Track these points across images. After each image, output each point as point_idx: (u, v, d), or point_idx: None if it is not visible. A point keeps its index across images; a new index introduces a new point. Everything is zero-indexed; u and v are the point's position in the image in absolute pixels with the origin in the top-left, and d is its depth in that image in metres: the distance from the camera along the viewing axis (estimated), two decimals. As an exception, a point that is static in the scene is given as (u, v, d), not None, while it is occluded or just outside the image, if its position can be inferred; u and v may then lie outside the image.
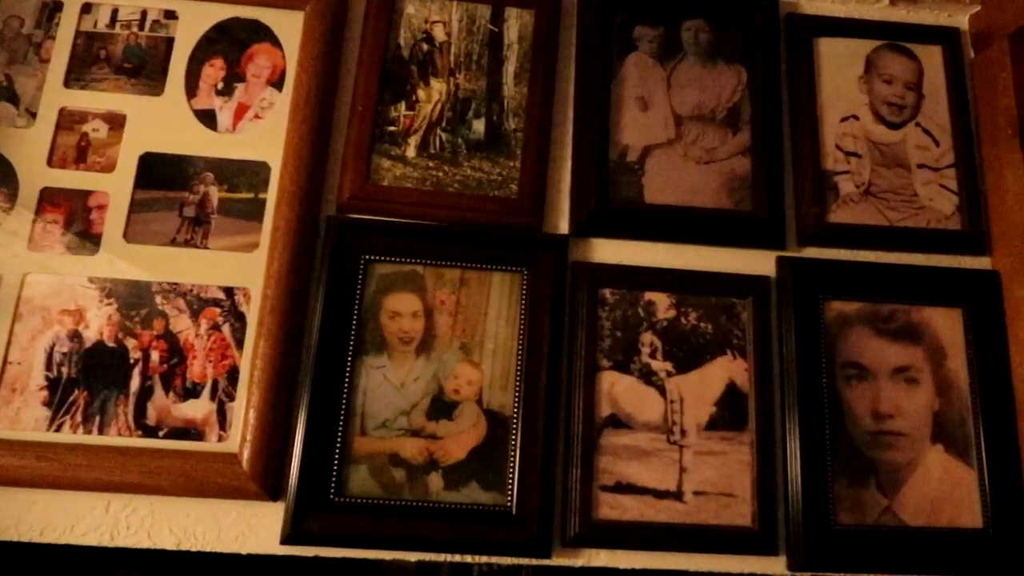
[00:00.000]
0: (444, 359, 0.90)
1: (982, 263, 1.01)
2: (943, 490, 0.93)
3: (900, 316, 0.97)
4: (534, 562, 0.87)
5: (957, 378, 0.96)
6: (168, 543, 0.84)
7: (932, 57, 1.06)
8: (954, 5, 1.07)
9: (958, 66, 1.06)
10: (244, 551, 0.85)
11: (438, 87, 0.97)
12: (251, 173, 0.92)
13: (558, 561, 0.87)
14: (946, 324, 0.98)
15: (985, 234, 1.01)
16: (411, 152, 0.95)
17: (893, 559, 0.90)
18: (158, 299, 0.88)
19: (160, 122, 0.93)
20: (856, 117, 1.03)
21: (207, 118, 0.94)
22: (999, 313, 0.98)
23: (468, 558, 0.86)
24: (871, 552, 0.90)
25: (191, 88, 0.95)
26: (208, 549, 0.84)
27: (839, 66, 1.04)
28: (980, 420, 0.95)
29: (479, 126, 0.97)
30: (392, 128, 0.96)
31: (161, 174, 0.91)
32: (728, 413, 0.93)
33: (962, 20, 1.09)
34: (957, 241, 1.00)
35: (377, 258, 0.91)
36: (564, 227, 0.96)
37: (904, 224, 1.00)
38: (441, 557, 0.86)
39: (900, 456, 0.93)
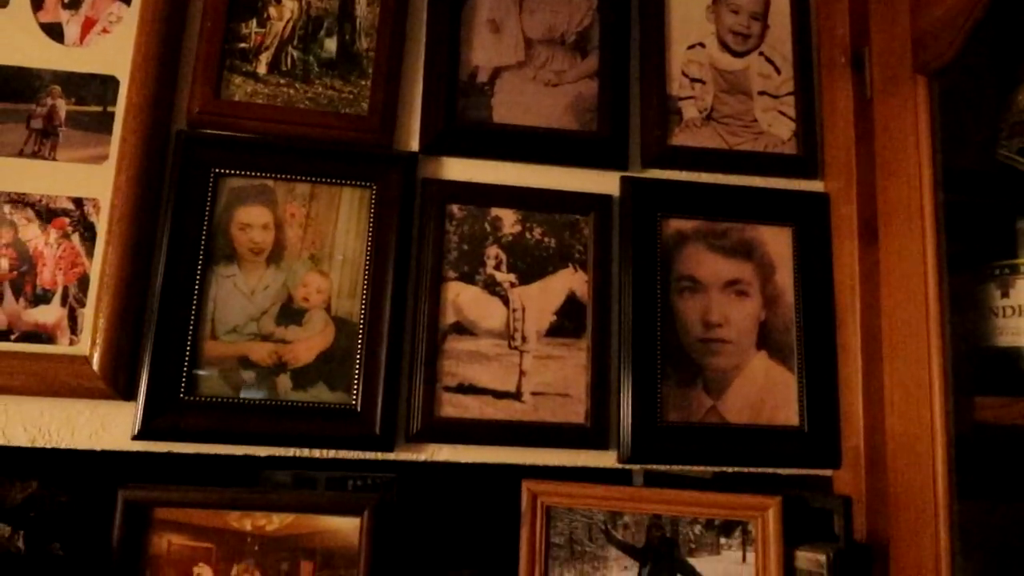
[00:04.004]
0: (294, 269, 1.02)
1: (815, 186, 1.16)
2: (764, 392, 1.10)
3: (734, 234, 1.13)
4: (380, 456, 1.01)
5: (784, 291, 1.12)
6: (23, 440, 0.95)
7: (778, -12, 1.19)
8: (802, -62, 1.20)
9: (803, -2, 1.20)
10: (98, 447, 0.96)
11: (290, 5, 1.07)
12: (99, 87, 1.01)
13: (401, 455, 1.02)
14: (777, 241, 1.13)
15: (819, 159, 1.16)
16: (262, 69, 1.05)
17: (715, 453, 1.08)
18: (6, 209, 0.97)
19: (5, 34, 1.01)
20: (703, 45, 1.17)
21: (54, 31, 1.02)
22: (826, 232, 1.15)
23: (316, 453, 0.99)
24: (695, 447, 1.07)
25: (37, 1, 1.02)
26: (63, 446, 0.96)
27: (688, -5, 1.17)
28: (803, 329, 1.11)
29: (331, 45, 1.07)
30: (243, 45, 1.05)
31: (6, 87, 1.00)
32: (567, 321, 1.07)
33: (810, -48, 1.23)
34: (792, 165, 1.16)
35: (227, 172, 1.02)
36: (415, 145, 1.09)
37: (743, 148, 1.15)
38: (289, 452, 0.99)
39: (726, 361, 1.09)
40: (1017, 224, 1.05)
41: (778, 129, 1.16)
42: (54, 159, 0.99)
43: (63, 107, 1.00)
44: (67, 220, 0.98)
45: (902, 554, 1.01)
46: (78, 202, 0.99)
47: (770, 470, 1.09)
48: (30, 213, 0.98)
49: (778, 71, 1.18)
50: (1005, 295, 1.04)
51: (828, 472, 1.10)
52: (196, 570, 0.98)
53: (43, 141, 0.99)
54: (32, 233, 0.97)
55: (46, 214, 0.98)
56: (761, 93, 1.17)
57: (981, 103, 1.13)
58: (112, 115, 1.01)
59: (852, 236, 1.11)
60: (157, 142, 1.00)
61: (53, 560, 0.95)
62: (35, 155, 0.99)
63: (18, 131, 0.99)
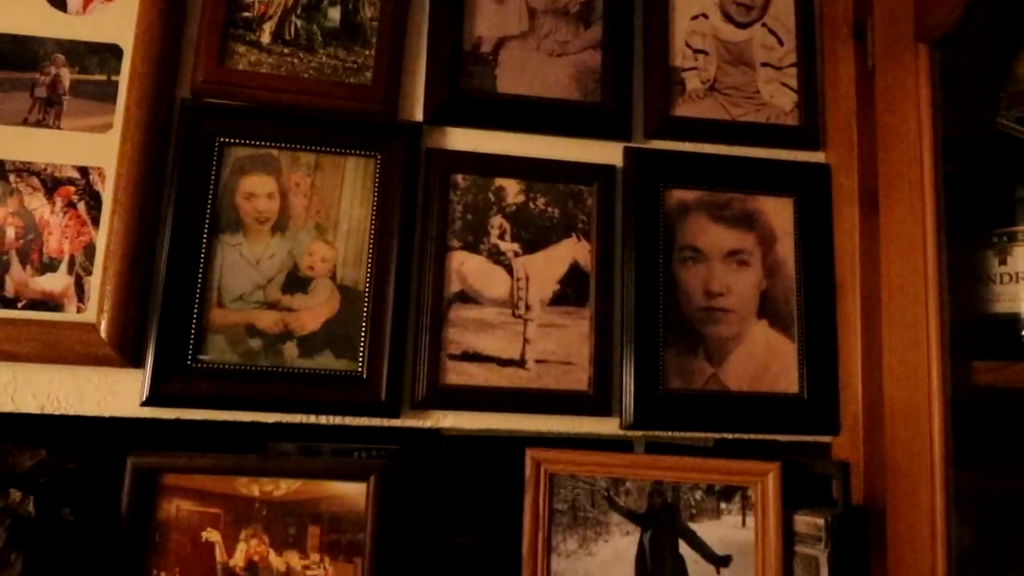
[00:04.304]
0: (299, 238, 1.03)
1: (816, 157, 1.18)
2: (765, 360, 1.12)
3: (736, 204, 1.14)
4: (385, 423, 1.03)
5: (785, 260, 1.14)
6: (32, 407, 0.97)
7: (781, -41, 1.20)
8: (806, -91, 1.21)
9: (806, -31, 1.21)
10: (106, 414, 0.98)
11: (293, -26, 1.07)
12: (103, 55, 1.02)
13: (407, 422, 1.04)
14: (778, 212, 1.15)
15: (820, 130, 1.18)
16: (266, 38, 1.06)
17: (716, 420, 1.10)
18: (12, 177, 0.98)
19: (7, 3, 1.02)
20: (706, 16, 1.18)
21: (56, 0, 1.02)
22: (827, 202, 1.16)
23: (323, 419, 1.01)
24: (696, 413, 1.10)
25: (39, -32, 1.02)
26: (71, 413, 0.97)
27: (691, -35, 1.18)
28: (803, 298, 1.13)
29: (334, 14, 1.07)
30: (246, 14, 1.06)
31: (10, 55, 1.01)
32: (571, 290, 1.09)
33: (813, -77, 1.23)
34: (794, 136, 1.17)
35: (232, 141, 1.03)
36: (419, 115, 1.10)
37: (745, 119, 1.16)
38: (296, 418, 1.01)
39: (727, 330, 1.11)
40: (1016, 192, 1.07)
41: (780, 100, 1.18)
42: (59, 128, 1.00)
43: (67, 76, 1.01)
44: (72, 189, 0.99)
45: (899, 517, 1.03)
46: (83, 171, 1.00)
47: (770, 437, 1.12)
48: (35, 182, 0.99)
49: (781, 42, 1.19)
50: (1003, 262, 1.06)
51: (827, 439, 1.12)
52: (205, 535, 1.00)
53: (47, 110, 1.00)
54: (38, 202, 0.98)
55: (51, 183, 0.99)
56: (764, 64, 1.18)
57: (982, 74, 1.15)
58: (116, 84, 1.01)
59: (853, 206, 1.13)
60: (161, 111, 1.01)
61: (64, 524, 0.97)
62: (39, 124, 1.00)
63: (22, 100, 1.00)
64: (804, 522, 1.06)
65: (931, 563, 0.99)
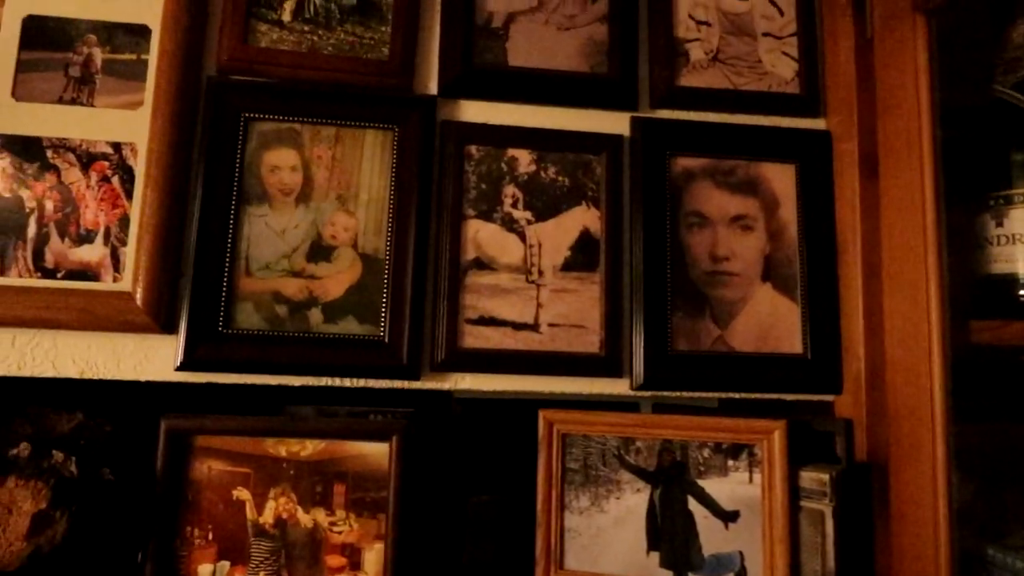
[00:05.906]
0: (322, 208, 1.10)
1: (817, 124, 1.25)
2: (770, 322, 1.19)
3: (740, 171, 1.21)
4: (407, 385, 1.10)
5: (788, 225, 1.21)
6: (72, 372, 1.04)
7: (782, -68, 1.26)
8: None
9: (806, -59, 1.27)
10: (142, 378, 1.05)
11: (311, -46, 1.14)
12: (133, 35, 1.09)
13: (427, 384, 1.11)
14: (781, 178, 1.22)
15: (820, 97, 1.24)
16: (287, 16, 1.13)
17: (723, 380, 1.17)
18: (49, 153, 1.06)
19: (40, -14, 1.08)
20: (708, -12, 1.24)
21: (86, -18, 1.09)
22: (828, 168, 1.23)
23: (347, 382, 1.09)
24: (704, 374, 1.16)
25: (69, -47, 1.09)
26: (109, 377, 1.05)
27: (694, -61, 1.24)
28: (806, 261, 1.20)
29: (351, -8, 1.14)
30: (267, -7, 1.13)
31: (45, 36, 1.08)
32: (582, 256, 1.16)
33: (813, -102, 1.29)
34: (795, 104, 1.24)
35: (256, 116, 1.10)
36: (433, 88, 1.17)
37: (747, 88, 1.23)
38: (322, 381, 1.08)
39: (733, 293, 1.18)
40: (1012, 156, 1.13)
41: (781, 69, 1.24)
42: (92, 105, 1.08)
43: (99, 55, 1.08)
44: (107, 164, 1.07)
45: (901, 472, 1.10)
46: (116, 146, 1.07)
47: (775, 396, 1.18)
48: (71, 157, 1.06)
49: (781, 12, 1.25)
50: (999, 224, 1.12)
51: (830, 397, 1.19)
52: (235, 493, 1.08)
53: (81, 88, 1.07)
54: (74, 176, 1.06)
55: (87, 158, 1.06)
56: (765, 34, 1.25)
57: (978, 42, 1.21)
58: (145, 63, 1.09)
59: (853, 171, 1.19)
60: (189, 88, 1.08)
61: (104, 484, 1.05)
62: (74, 101, 1.07)
63: (57, 79, 1.07)
64: (809, 478, 1.12)
65: (933, 516, 1.05)
